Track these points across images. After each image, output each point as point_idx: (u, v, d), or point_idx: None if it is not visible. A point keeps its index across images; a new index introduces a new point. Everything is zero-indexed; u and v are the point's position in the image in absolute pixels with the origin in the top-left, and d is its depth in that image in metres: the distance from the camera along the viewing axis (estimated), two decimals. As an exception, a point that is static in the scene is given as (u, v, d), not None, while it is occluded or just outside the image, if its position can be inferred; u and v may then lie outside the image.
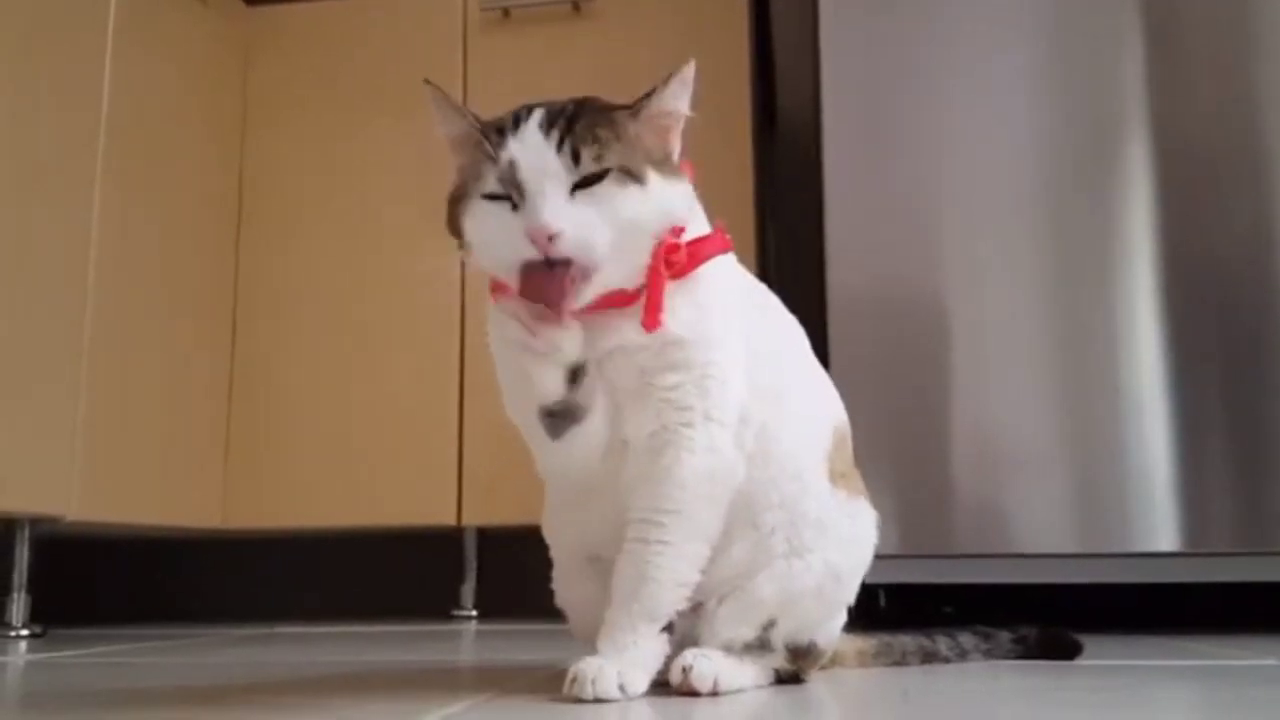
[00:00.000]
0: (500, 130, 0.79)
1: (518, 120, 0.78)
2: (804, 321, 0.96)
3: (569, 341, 0.79)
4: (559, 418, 0.82)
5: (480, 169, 0.78)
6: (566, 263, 0.75)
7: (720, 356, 0.83)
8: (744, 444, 0.84)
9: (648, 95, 0.81)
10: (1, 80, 1.60)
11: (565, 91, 0.82)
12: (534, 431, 0.84)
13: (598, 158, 0.76)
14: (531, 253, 0.75)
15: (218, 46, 2.13)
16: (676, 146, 0.83)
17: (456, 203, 0.80)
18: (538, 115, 0.78)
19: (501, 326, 0.82)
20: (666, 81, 0.81)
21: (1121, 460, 1.46)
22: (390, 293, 2.06)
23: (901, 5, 1.61)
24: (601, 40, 2.04)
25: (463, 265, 2.10)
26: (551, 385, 0.80)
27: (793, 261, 2.11)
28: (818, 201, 1.60)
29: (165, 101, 1.95)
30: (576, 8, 2.06)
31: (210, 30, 2.10)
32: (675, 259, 0.80)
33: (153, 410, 1.87)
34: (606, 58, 2.00)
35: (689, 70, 0.81)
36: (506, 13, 2.09)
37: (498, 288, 0.83)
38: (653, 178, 0.78)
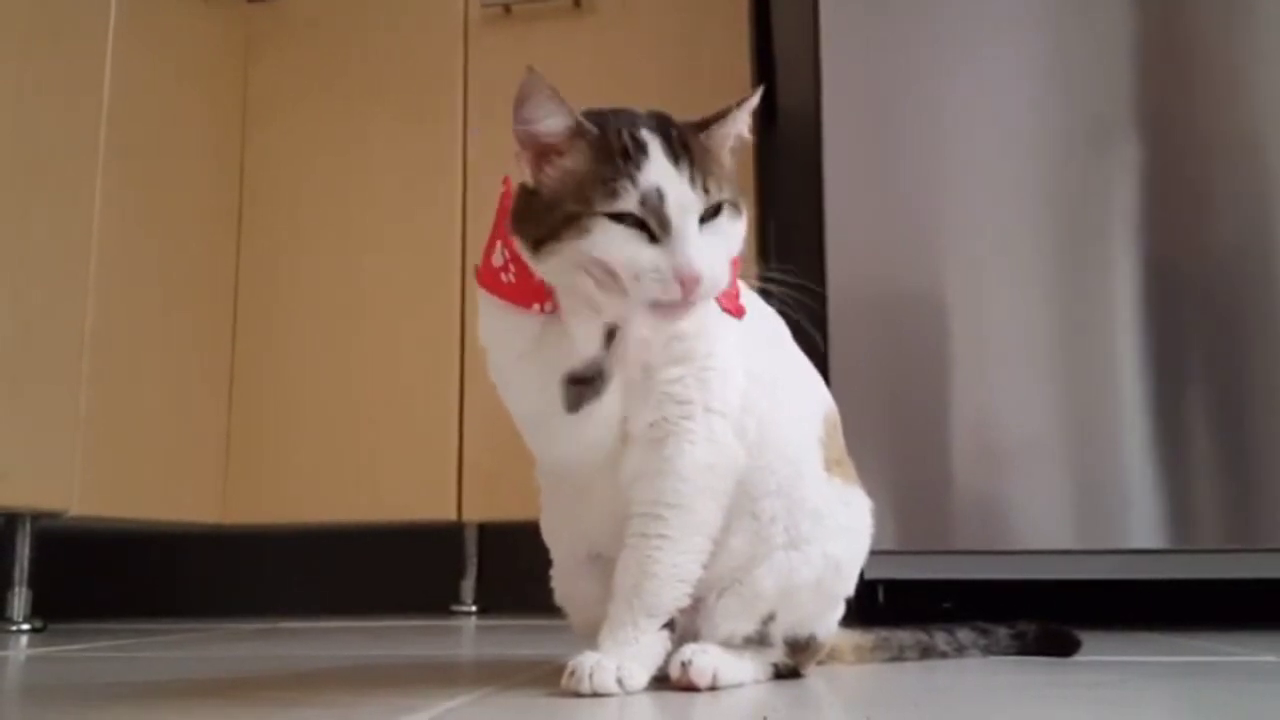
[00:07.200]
0: (626, 150, 0.77)
1: (638, 141, 0.77)
2: (805, 321, 0.96)
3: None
4: (584, 385, 0.81)
5: (614, 185, 0.76)
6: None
7: (720, 347, 0.83)
8: (746, 433, 0.84)
9: (720, 117, 0.82)
10: (3, 76, 1.60)
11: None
12: (544, 414, 0.83)
13: (719, 189, 0.78)
14: (672, 293, 0.75)
15: (219, 43, 2.13)
16: (730, 162, 0.85)
17: (571, 217, 0.76)
18: (657, 143, 0.77)
19: (500, 310, 0.83)
20: (740, 106, 0.83)
21: (1120, 457, 1.46)
22: (391, 287, 2.06)
23: (902, 5, 1.61)
24: (603, 37, 2.04)
25: (462, 263, 2.10)
26: (591, 342, 0.80)
27: (793, 261, 2.11)
28: (818, 201, 1.60)
29: (166, 98, 1.95)
30: (578, 4, 2.06)
31: (211, 26, 2.10)
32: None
33: (154, 406, 1.88)
34: (608, 55, 2.00)
35: (757, 97, 0.85)
36: (508, 9, 2.09)
37: (498, 281, 0.83)
38: (742, 204, 0.81)
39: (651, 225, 0.75)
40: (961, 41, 1.59)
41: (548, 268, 0.78)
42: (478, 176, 2.05)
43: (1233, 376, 1.46)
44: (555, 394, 0.82)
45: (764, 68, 2.16)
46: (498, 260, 0.83)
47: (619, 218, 0.75)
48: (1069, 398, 1.49)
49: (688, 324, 0.81)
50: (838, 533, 0.88)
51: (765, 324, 0.93)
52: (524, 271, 0.81)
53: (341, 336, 2.07)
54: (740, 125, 0.84)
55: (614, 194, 0.75)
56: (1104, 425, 1.47)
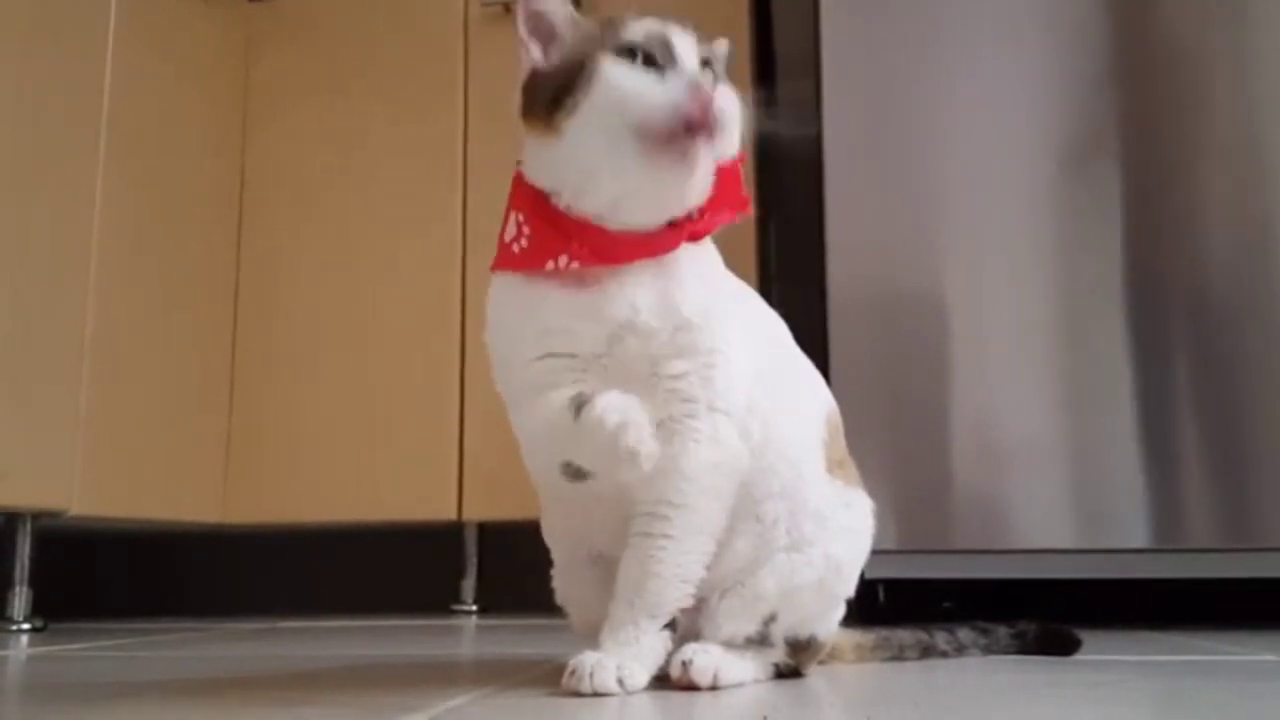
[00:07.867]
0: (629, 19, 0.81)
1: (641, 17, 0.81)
2: (804, 321, 0.96)
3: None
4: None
5: (616, 29, 0.79)
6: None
7: (725, 343, 0.82)
8: (751, 433, 0.84)
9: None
10: (3, 77, 1.60)
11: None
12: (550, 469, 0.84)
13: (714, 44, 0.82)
14: (682, 109, 0.75)
15: (219, 42, 2.13)
16: None
17: (580, 65, 0.78)
18: (660, 20, 0.80)
19: (511, 295, 0.83)
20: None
21: (1120, 456, 1.46)
22: (391, 287, 2.06)
23: (902, 5, 1.61)
24: (602, 37, 2.04)
25: (463, 262, 2.10)
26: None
27: (793, 261, 2.11)
28: (818, 201, 1.60)
29: (166, 97, 1.95)
30: (578, 4, 2.06)
31: (211, 25, 2.10)
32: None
33: (154, 405, 1.88)
34: (607, 55, 2.00)
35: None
36: (507, 9, 2.09)
37: (510, 256, 0.83)
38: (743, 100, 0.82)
39: (658, 56, 0.77)
40: (961, 42, 1.59)
41: (565, 141, 0.79)
42: (478, 176, 2.05)
43: (1232, 376, 1.46)
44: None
45: (764, 68, 2.16)
46: (510, 233, 0.83)
47: (628, 54, 0.77)
48: (1069, 398, 1.49)
49: (689, 306, 0.80)
50: (839, 534, 0.88)
51: (766, 323, 0.93)
52: (538, 228, 0.81)
53: (342, 336, 2.07)
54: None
55: (621, 28, 0.79)
56: (1104, 425, 1.47)
